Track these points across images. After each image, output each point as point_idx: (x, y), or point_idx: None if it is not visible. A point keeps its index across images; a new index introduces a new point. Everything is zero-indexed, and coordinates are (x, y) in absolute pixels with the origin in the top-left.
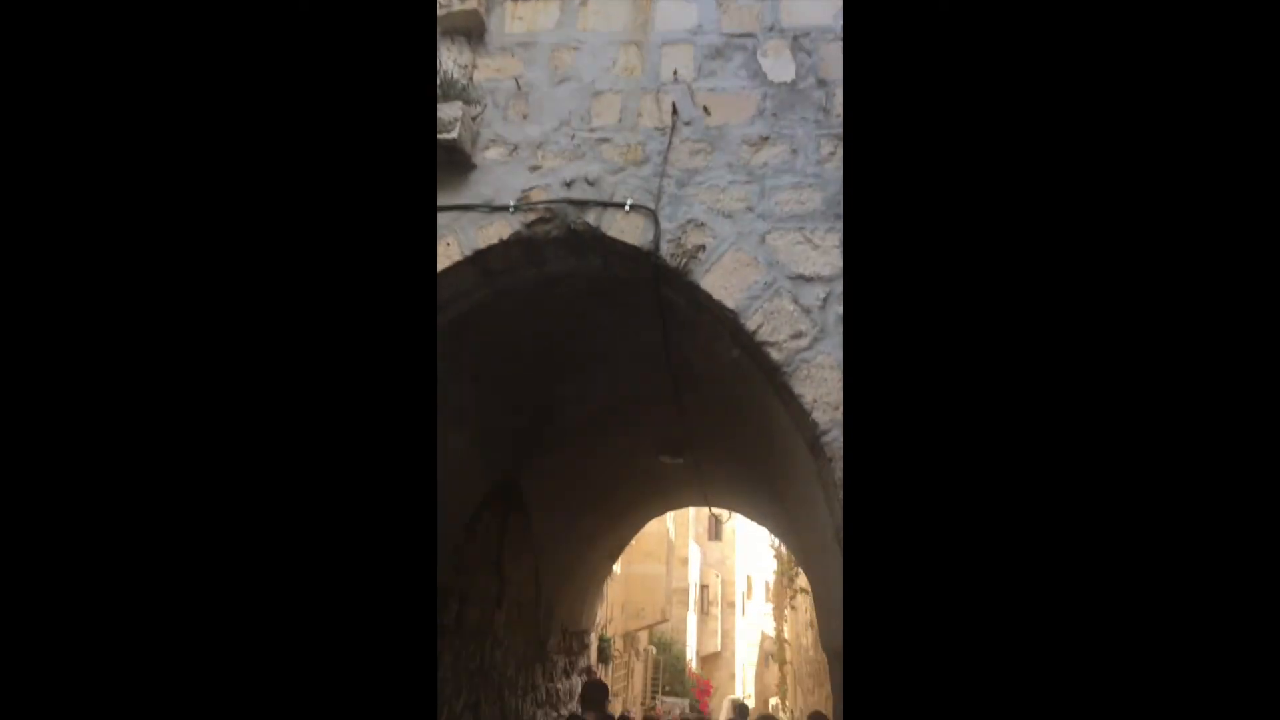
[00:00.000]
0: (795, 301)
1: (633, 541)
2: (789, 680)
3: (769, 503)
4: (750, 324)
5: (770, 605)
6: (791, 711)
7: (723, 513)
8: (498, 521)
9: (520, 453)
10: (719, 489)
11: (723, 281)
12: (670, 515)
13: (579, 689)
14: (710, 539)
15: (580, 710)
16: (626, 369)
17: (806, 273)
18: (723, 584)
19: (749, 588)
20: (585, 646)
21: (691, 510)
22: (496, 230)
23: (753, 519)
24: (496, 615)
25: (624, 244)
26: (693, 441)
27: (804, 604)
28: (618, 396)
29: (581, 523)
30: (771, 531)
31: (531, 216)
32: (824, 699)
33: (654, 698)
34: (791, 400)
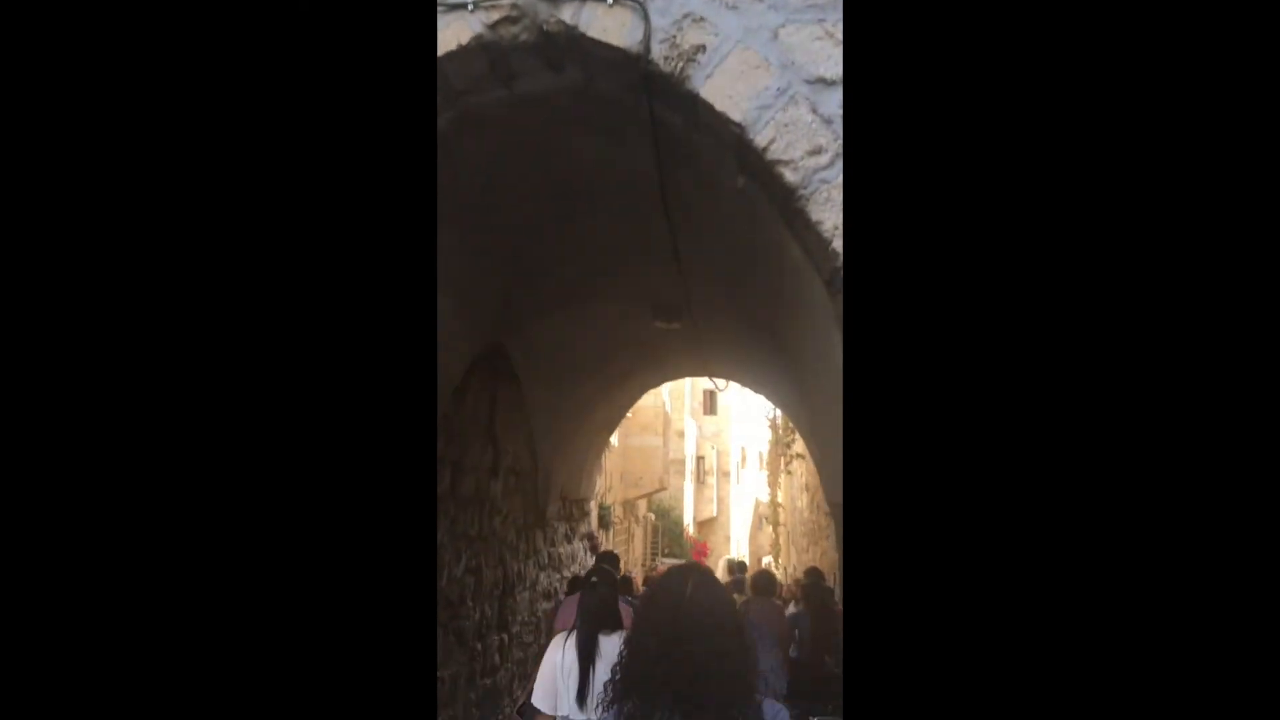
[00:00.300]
0: (813, 111)
1: (629, 416)
2: (782, 540)
3: (771, 366)
4: (760, 139)
5: (764, 474)
6: (784, 568)
7: (720, 382)
8: (487, 390)
9: (506, 317)
10: (718, 356)
11: (727, 89)
12: (666, 390)
13: (580, 553)
14: (705, 413)
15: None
16: (617, 219)
17: (827, 75)
18: (718, 455)
19: (743, 458)
20: (585, 514)
21: (687, 385)
22: (454, 33)
23: (751, 387)
24: (493, 483)
25: (607, 47)
26: (691, 304)
27: (799, 469)
28: (609, 253)
29: (575, 393)
30: (770, 399)
31: (495, 15)
32: (819, 556)
33: (654, 559)
34: (808, 229)
